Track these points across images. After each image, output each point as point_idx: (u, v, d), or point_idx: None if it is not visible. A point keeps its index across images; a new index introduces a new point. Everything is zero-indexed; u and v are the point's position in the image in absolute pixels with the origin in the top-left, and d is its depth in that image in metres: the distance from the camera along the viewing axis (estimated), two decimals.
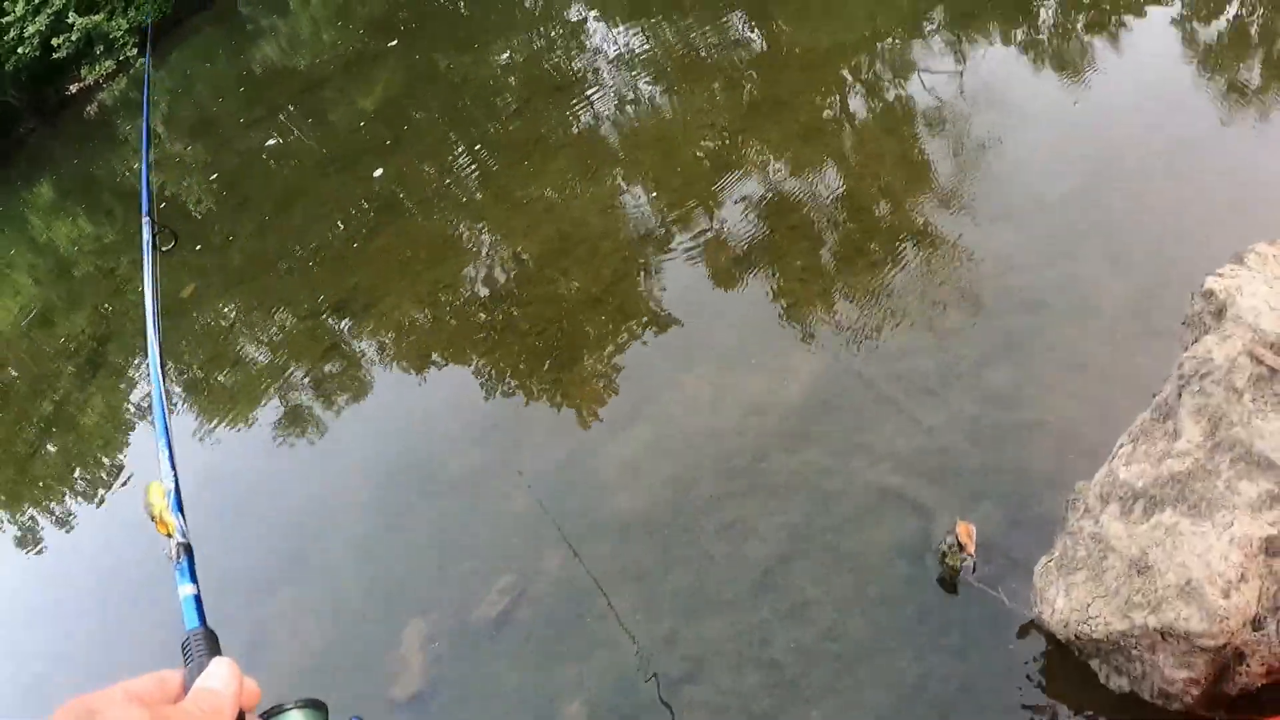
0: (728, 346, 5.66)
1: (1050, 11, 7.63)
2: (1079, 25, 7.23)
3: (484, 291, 7.24)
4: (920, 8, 8.31)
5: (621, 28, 10.77)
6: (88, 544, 8.25)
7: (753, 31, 9.26)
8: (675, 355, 5.84)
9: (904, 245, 5.69)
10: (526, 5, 13.45)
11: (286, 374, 8.14)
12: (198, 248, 11.88)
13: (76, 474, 9.52)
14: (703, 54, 9.19)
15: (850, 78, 7.70)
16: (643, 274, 6.53)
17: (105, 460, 9.40)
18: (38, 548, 8.69)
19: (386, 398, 7.13)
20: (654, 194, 7.24)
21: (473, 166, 9.54)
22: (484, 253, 7.78)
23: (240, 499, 6.94)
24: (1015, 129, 6.26)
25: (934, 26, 8.04)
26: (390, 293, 8.03)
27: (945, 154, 6.38)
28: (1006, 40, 7.47)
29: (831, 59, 8.00)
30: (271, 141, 14.71)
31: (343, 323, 8.31)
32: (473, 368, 6.69)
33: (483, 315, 6.95)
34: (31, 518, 9.19)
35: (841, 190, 6.48)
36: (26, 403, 12.13)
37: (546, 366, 6.21)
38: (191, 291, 9.64)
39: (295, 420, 7.47)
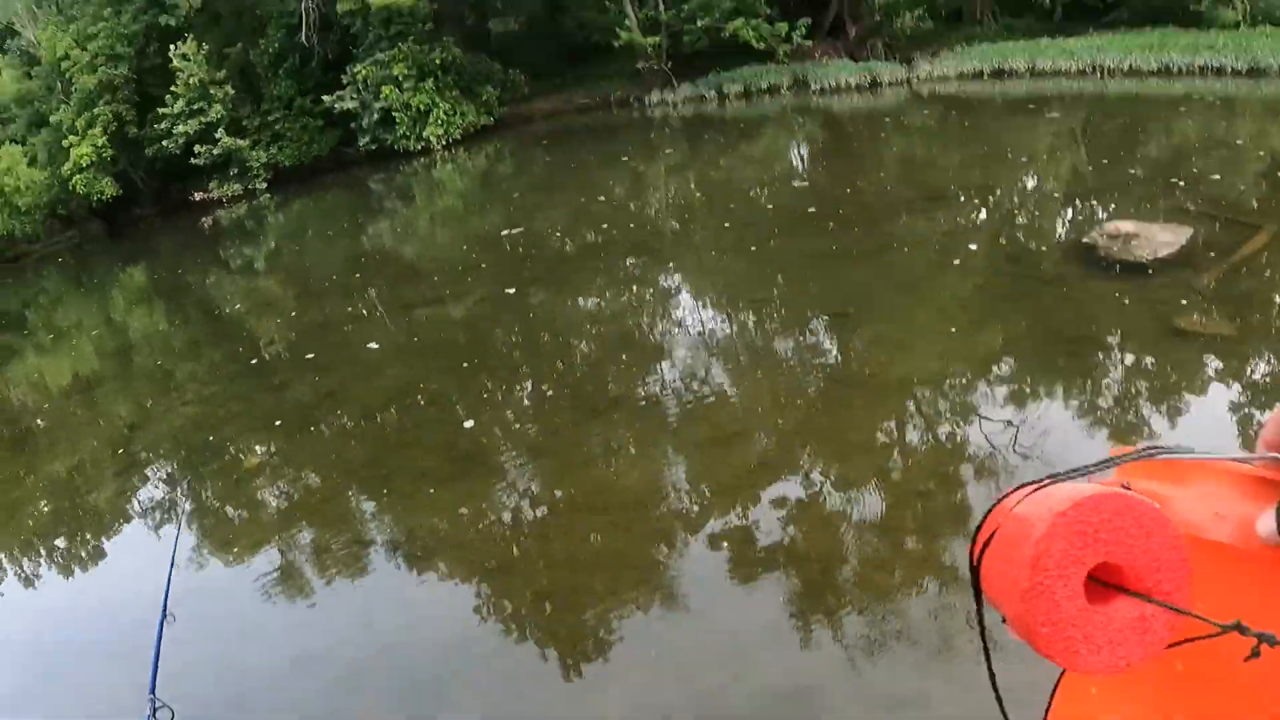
0: (727, 640, 5.82)
1: (1115, 384, 8.09)
2: (1141, 398, 7.78)
3: (507, 519, 7.59)
4: (988, 356, 8.90)
5: (710, 310, 11.42)
6: (40, 601, 8.53)
7: (830, 343, 9.85)
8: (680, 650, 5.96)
9: (925, 579, 5.88)
10: (628, 264, 14.09)
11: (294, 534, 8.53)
12: (275, 381, 12.79)
13: (57, 540, 9.79)
14: (779, 351, 9.79)
15: (912, 408, 8.11)
16: (670, 550, 6.82)
17: (88, 538, 9.66)
18: None
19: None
20: (701, 477, 7.57)
21: (534, 400, 9.98)
22: (520, 483, 8.17)
23: None
24: None
25: (1000, 375, 8.61)
26: (417, 508, 8.38)
27: (986, 500, 6.58)
28: (1066, 400, 7.91)
29: (898, 387, 8.45)
30: (350, 309, 15.56)
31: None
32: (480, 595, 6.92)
33: (502, 541, 7.26)
34: None
35: (879, 512, 6.76)
36: (40, 456, 12.82)
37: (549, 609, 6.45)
38: (255, 465, 9.93)
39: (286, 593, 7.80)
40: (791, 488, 7.13)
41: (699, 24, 32.70)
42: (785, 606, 5.86)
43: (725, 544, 6.62)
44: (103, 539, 9.71)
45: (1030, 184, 15.18)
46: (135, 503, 10.17)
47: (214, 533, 8.86)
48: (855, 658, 5.30)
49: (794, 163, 19.66)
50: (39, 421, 15.12)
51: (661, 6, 33.84)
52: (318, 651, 6.40)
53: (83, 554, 9.48)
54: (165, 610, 4.53)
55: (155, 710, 4.14)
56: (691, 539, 6.82)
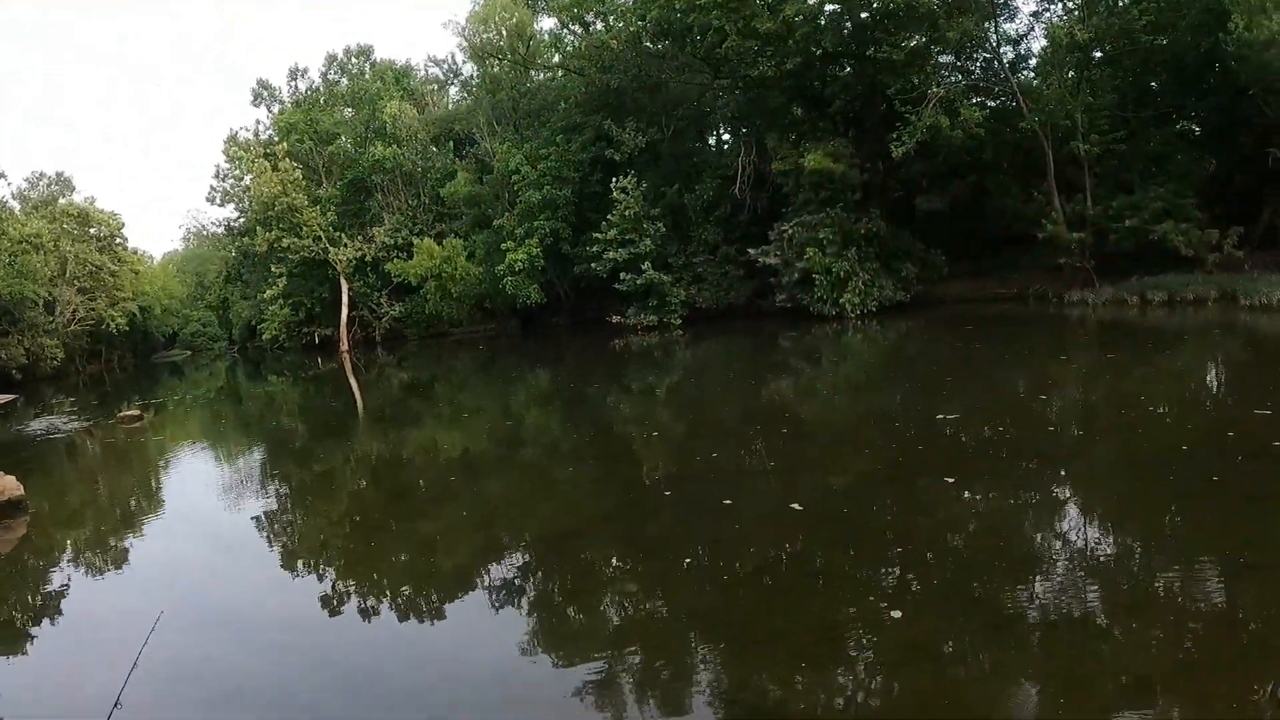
0: None
1: None
2: None
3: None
4: None
5: (1107, 535, 9.56)
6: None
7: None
8: None
9: None
10: (1026, 468, 12.71)
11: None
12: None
13: (410, 590, 9.55)
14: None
15: None
16: None
17: (433, 598, 9.37)
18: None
19: None
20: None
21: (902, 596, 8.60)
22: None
23: None
24: None
25: None
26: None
27: None
28: None
29: None
30: (715, 454, 14.96)
31: None
32: None
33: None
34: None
35: None
36: (413, 514, 12.82)
37: None
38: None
39: None
40: None
41: (1127, 224, 31.47)
42: None
43: None
44: (444, 600, 9.80)
45: None
46: (484, 576, 10.31)
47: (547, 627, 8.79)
48: None
49: (1220, 386, 17.82)
50: (420, 482, 15.97)
51: (1089, 202, 32.93)
52: None
53: (423, 606, 9.60)
54: None
55: None
56: None
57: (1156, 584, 7.99)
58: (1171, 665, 6.65)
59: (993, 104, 38.47)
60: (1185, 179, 32.92)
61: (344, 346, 53.41)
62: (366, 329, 55.54)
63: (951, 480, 11.35)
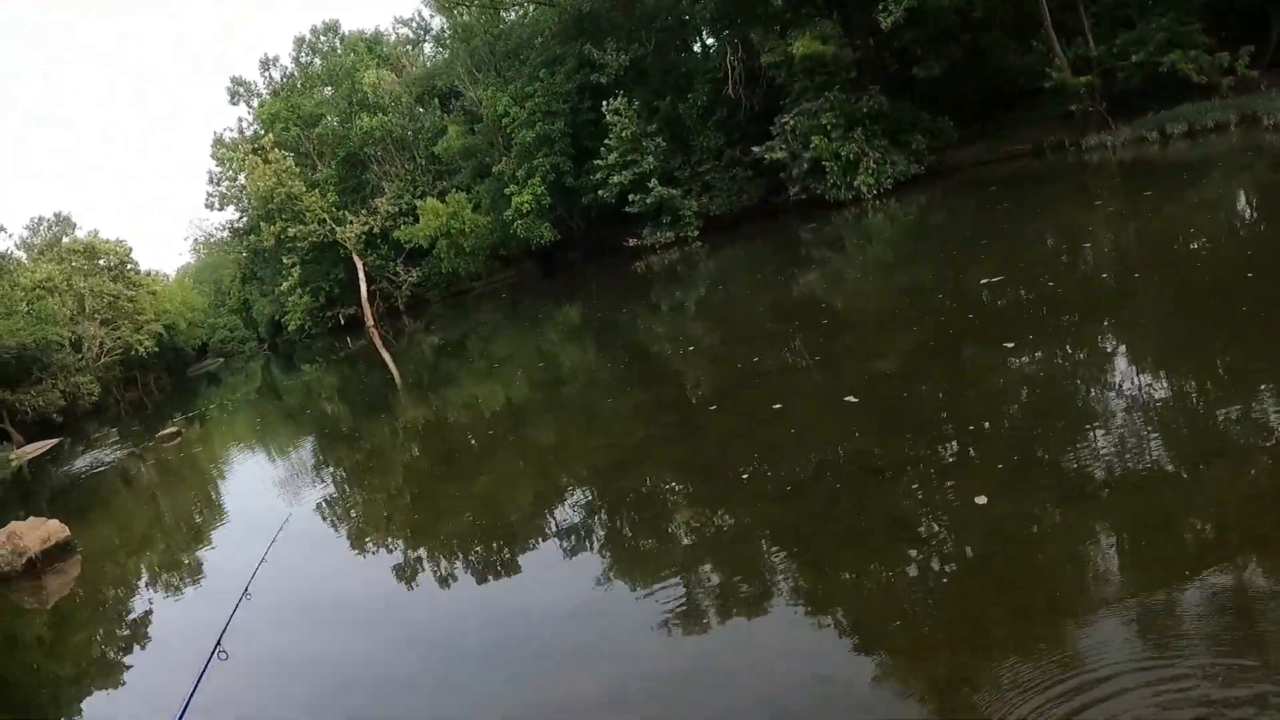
0: None
1: None
2: None
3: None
4: None
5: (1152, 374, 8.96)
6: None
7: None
8: None
9: None
10: (1063, 322, 12.09)
11: None
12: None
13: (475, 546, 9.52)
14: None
15: None
16: None
17: (502, 549, 9.35)
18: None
19: None
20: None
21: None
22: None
23: None
24: None
25: None
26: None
27: None
28: None
29: None
30: (756, 359, 14.59)
31: None
32: None
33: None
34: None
35: None
36: (467, 472, 12.90)
37: None
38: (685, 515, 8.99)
39: None
40: None
41: (1134, 59, 30.25)
42: None
43: None
44: (516, 551, 9.74)
45: None
46: (549, 522, 10.12)
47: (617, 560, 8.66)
48: None
49: (1245, 210, 16.95)
50: (470, 439, 15.87)
51: (1091, 43, 31.68)
52: None
53: (496, 563, 9.58)
54: None
55: None
56: None
57: (1232, 428, 7.45)
58: (1257, 509, 6.16)
59: None
60: (1185, 6, 31.70)
61: (369, 322, 53.31)
62: (389, 300, 55.40)
63: (1010, 346, 10.79)
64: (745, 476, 9.34)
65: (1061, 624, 5.52)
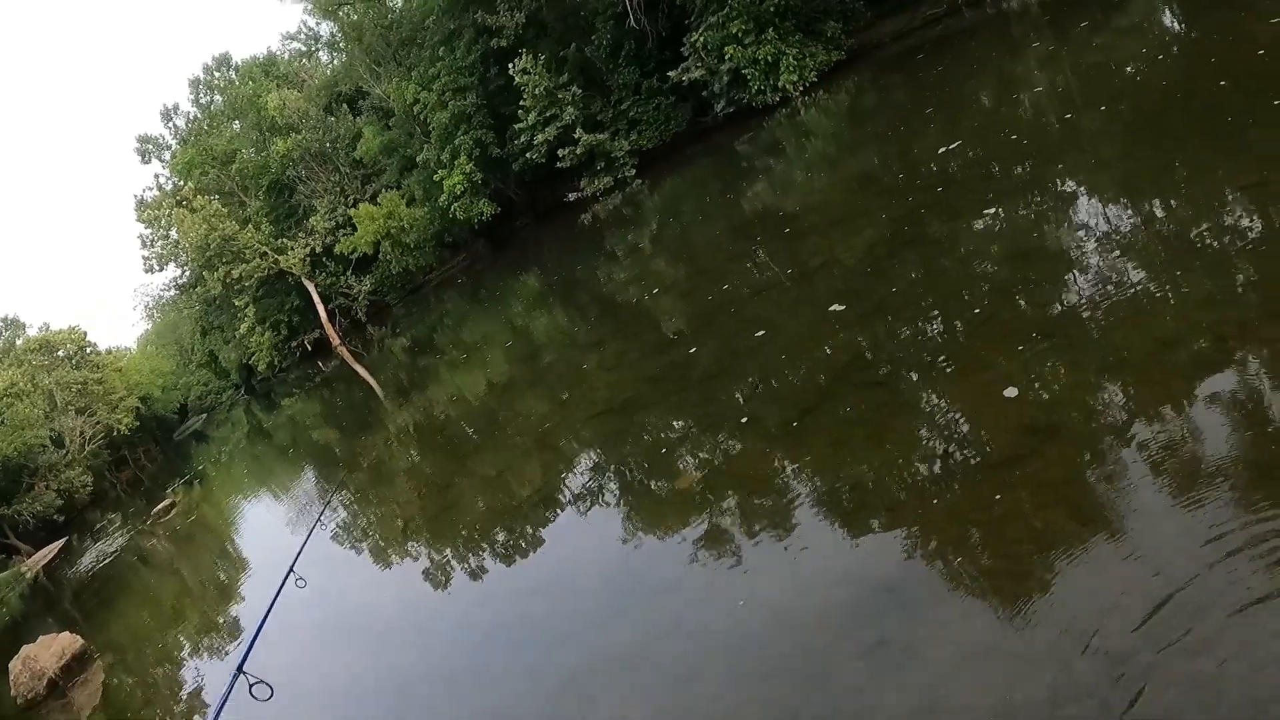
0: None
1: None
2: None
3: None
4: None
5: (1117, 207, 8.91)
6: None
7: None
8: None
9: None
10: (1018, 174, 11.50)
11: None
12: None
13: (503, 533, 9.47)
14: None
15: None
16: None
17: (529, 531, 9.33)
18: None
19: None
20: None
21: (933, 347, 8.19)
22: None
23: None
24: None
25: None
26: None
27: None
28: None
29: None
30: (726, 286, 14.21)
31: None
32: None
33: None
34: None
35: None
36: (470, 462, 12.97)
37: None
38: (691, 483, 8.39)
39: None
40: None
41: None
42: None
43: None
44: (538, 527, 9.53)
45: None
46: (562, 491, 9.93)
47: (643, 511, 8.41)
48: None
49: (1174, 24, 16.37)
50: (468, 430, 15.47)
51: None
52: None
53: (522, 543, 9.42)
54: None
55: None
56: None
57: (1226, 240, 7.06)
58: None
59: None
60: None
61: (336, 341, 52.43)
62: (349, 314, 54.43)
63: (991, 210, 10.27)
64: (744, 420, 8.77)
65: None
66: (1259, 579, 4.16)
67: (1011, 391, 6.52)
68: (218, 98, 62.73)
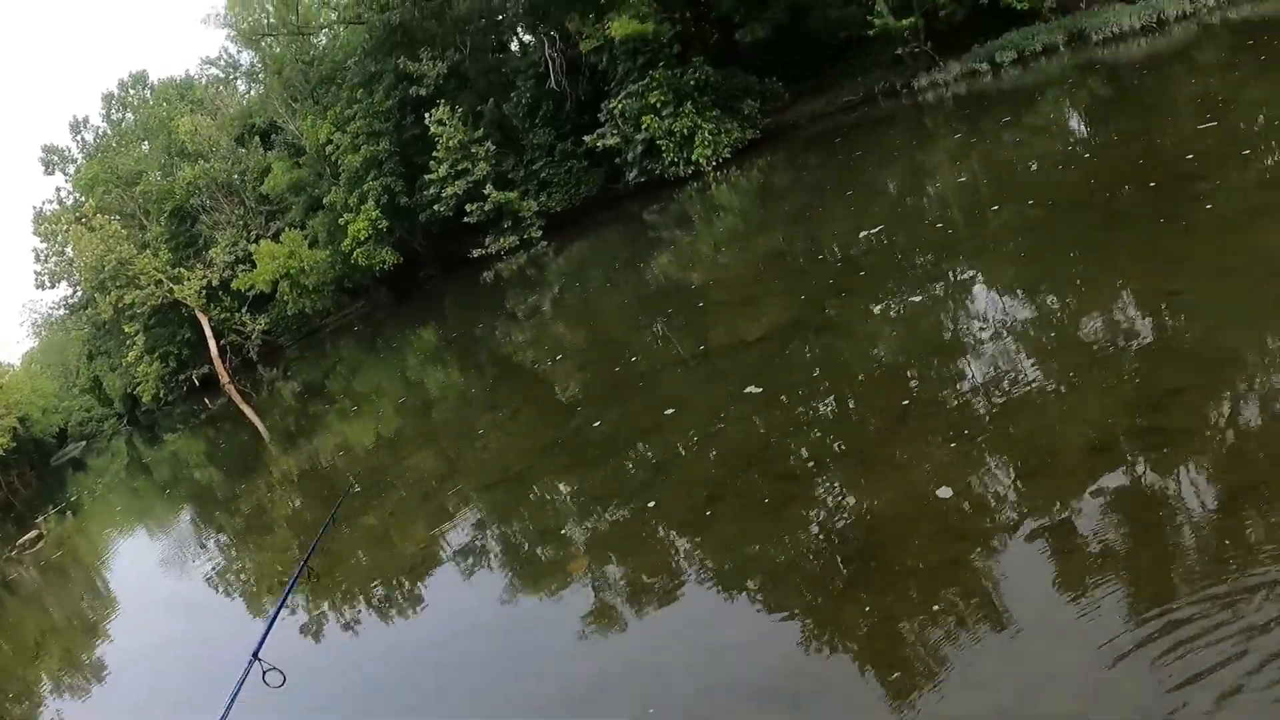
0: None
1: None
2: None
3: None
4: None
5: (1024, 308, 8.91)
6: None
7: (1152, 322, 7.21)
8: None
9: None
10: (920, 263, 11.53)
11: None
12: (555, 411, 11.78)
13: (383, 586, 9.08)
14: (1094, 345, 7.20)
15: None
16: None
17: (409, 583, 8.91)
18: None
19: None
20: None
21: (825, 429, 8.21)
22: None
23: None
24: None
25: None
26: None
27: None
28: None
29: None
30: (634, 358, 13.82)
31: None
32: None
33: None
34: None
35: None
36: (356, 514, 12.43)
37: None
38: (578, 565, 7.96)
39: None
40: None
41: None
42: None
43: None
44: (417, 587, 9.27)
45: None
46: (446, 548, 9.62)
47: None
48: None
49: (1084, 127, 16.98)
50: (351, 481, 14.95)
51: None
52: None
53: (405, 598, 9.18)
54: None
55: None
56: None
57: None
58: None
59: None
60: None
61: (225, 379, 50.39)
62: (240, 352, 52.56)
63: (899, 299, 10.15)
64: (651, 504, 8.21)
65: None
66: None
67: (941, 490, 6.27)
68: (130, 115, 60.94)
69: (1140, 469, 5.63)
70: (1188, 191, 9.77)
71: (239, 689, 4.41)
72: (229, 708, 4.30)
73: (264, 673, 4.63)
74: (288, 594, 6.48)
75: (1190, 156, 11.05)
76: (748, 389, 9.50)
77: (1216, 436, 5.72)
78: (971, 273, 10.70)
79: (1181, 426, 5.84)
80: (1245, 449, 5.50)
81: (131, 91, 61.46)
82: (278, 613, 5.88)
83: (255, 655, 4.77)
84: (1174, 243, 8.71)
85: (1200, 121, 12.42)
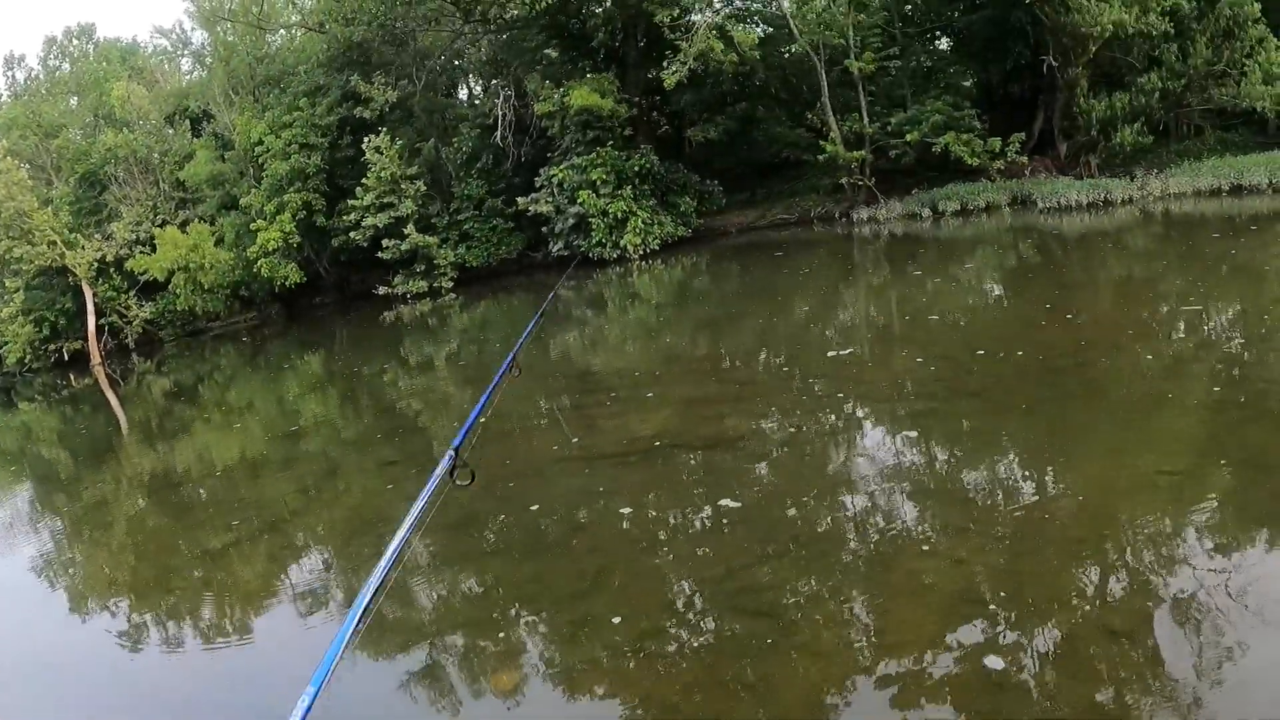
0: None
1: None
2: None
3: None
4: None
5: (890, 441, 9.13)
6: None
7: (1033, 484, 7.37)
8: None
9: None
10: (811, 387, 11.68)
11: None
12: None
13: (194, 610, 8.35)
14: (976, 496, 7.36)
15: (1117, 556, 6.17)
16: None
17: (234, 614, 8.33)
18: None
19: None
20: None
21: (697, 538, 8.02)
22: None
23: None
24: None
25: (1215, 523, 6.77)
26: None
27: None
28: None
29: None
30: (535, 441, 13.21)
31: None
32: None
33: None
34: None
35: None
36: (197, 528, 11.75)
37: None
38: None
39: None
40: None
41: (908, 138, 30.31)
42: None
43: None
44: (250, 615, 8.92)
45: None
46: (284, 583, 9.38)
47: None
48: None
49: (1004, 289, 17.41)
50: (200, 492, 14.47)
51: (866, 120, 31.67)
52: None
53: (226, 627, 8.76)
54: None
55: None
56: None
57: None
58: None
59: (759, 31, 37.39)
60: (959, 91, 32.49)
61: (96, 359, 47.54)
62: (118, 336, 49.75)
63: (795, 424, 10.22)
64: (575, 630, 7.20)
65: None
66: None
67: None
68: (66, 66, 58.83)
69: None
70: (1077, 369, 10.31)
71: (435, 479, 4.20)
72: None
73: (455, 470, 4.43)
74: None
75: (1083, 343, 11.60)
76: (724, 502, 8.80)
77: None
78: (861, 412, 10.86)
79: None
80: None
81: (75, 42, 59.65)
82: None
83: (455, 449, 4.56)
84: (1047, 416, 9.12)
85: (1112, 304, 13.25)
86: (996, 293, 17.09)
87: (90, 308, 49.34)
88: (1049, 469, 8.13)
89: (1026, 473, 8.20)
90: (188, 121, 49.08)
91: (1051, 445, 8.66)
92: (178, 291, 43.33)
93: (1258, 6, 28.69)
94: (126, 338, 49.72)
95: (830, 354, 13.81)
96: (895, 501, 7.93)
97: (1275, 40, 28.97)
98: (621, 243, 30.96)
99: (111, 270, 48.67)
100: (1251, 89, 27.93)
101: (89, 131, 51.97)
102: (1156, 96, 29.16)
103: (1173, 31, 29.03)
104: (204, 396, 27.16)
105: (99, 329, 49.79)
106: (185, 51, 56.96)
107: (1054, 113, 31.73)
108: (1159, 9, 28.32)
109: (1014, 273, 19.09)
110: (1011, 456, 8.73)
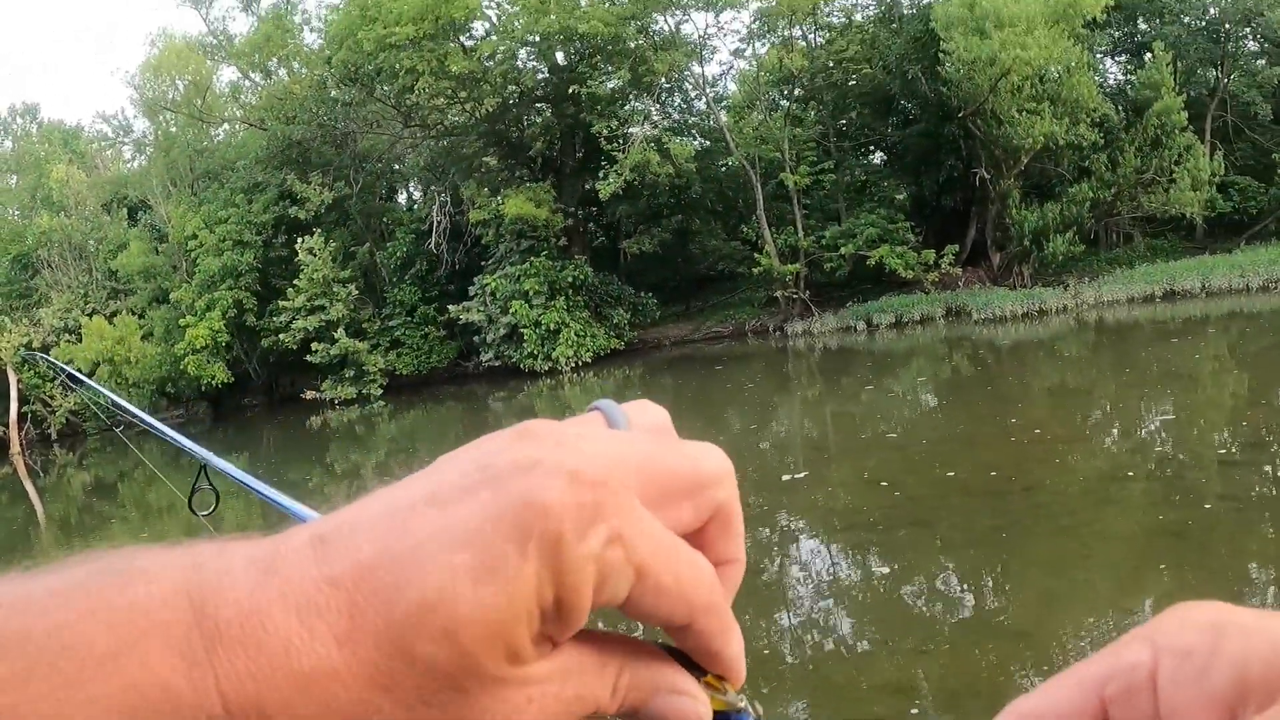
0: None
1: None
2: None
3: None
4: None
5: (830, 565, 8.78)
6: None
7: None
8: None
9: None
10: (750, 503, 11.41)
11: None
12: None
13: None
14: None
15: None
16: None
17: None
18: None
19: None
20: None
21: None
22: None
23: None
24: None
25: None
26: None
27: None
28: None
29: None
30: None
31: None
32: None
33: None
34: None
35: None
36: None
37: None
38: None
39: None
40: None
41: (842, 251, 30.64)
42: None
43: None
44: None
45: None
46: None
47: None
48: None
49: (937, 401, 17.43)
50: None
51: (801, 233, 32.02)
52: None
53: None
54: None
55: None
56: None
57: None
58: None
59: (696, 143, 37.89)
60: (893, 204, 32.96)
61: (16, 448, 45.99)
62: (41, 425, 48.24)
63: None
64: None
65: None
66: None
67: None
68: (9, 144, 58.76)
69: None
70: (1015, 488, 10.26)
71: None
72: None
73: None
74: None
75: (1015, 461, 11.51)
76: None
77: None
78: (795, 526, 10.94)
79: None
80: None
81: (18, 120, 59.47)
82: None
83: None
84: (977, 530, 9.12)
85: (1046, 414, 13.35)
86: (926, 405, 17.21)
87: (14, 394, 47.99)
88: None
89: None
90: (125, 210, 48.57)
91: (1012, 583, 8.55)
92: (101, 384, 42.07)
93: (1184, 115, 29.67)
94: (49, 427, 48.44)
95: (765, 467, 13.76)
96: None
97: (1202, 147, 29.94)
98: (553, 354, 30.86)
99: (37, 357, 47.48)
100: (1180, 195, 28.78)
101: (25, 213, 51.29)
102: (1087, 206, 30.01)
103: (1102, 141, 30.01)
104: (125, 494, 26.55)
105: (21, 417, 48.47)
106: (127, 139, 56.62)
107: (987, 224, 32.43)
108: (1089, 120, 29.30)
109: (949, 385, 19.11)
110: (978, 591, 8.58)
